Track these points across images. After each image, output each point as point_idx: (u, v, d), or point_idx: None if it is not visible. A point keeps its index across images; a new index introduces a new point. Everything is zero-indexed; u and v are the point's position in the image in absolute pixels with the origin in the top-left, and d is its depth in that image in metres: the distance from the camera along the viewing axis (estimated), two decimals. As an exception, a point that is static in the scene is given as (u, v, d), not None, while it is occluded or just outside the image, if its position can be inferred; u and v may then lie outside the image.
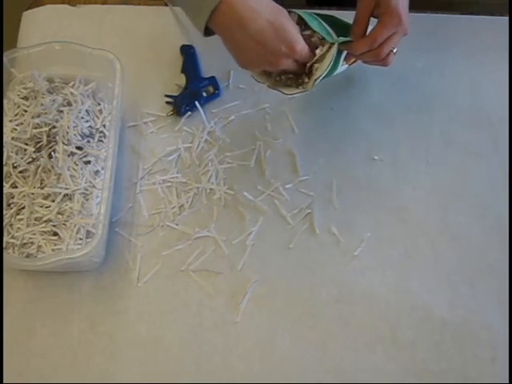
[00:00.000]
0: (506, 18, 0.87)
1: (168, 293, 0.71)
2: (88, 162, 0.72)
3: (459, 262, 0.73)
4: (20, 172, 0.71)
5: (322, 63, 0.68)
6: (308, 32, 0.68)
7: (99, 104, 0.77)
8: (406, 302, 0.71)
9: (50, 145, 0.72)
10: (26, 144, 0.72)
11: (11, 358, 0.67)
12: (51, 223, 0.69)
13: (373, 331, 0.69)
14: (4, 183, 0.70)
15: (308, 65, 0.68)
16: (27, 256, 0.68)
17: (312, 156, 0.78)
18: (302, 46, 0.65)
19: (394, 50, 0.70)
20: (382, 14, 0.66)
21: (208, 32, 0.65)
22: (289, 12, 0.67)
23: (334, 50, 0.67)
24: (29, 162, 0.72)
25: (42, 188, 0.70)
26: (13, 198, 0.70)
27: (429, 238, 0.74)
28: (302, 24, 0.68)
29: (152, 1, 0.89)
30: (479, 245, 0.74)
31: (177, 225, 0.74)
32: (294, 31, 0.64)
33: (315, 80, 0.68)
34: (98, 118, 0.75)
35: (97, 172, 0.72)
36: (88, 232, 0.69)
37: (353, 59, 0.72)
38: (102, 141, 0.74)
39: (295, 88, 0.70)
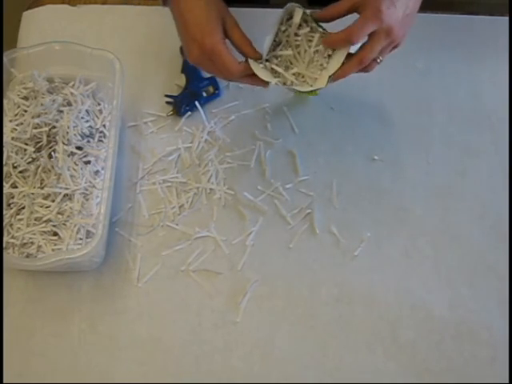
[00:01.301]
0: (506, 18, 0.87)
1: (168, 293, 0.71)
2: (88, 162, 0.73)
3: (459, 262, 0.73)
4: (20, 172, 0.71)
5: (332, 60, 0.66)
6: (306, 29, 0.67)
7: (99, 104, 0.77)
8: (406, 302, 0.71)
9: (50, 145, 0.72)
10: (26, 144, 0.72)
11: (11, 358, 0.67)
12: (51, 223, 0.69)
13: (373, 331, 0.69)
14: (4, 183, 0.70)
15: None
16: (27, 256, 0.68)
17: (312, 156, 0.78)
18: (212, 43, 0.63)
19: (379, 60, 0.68)
20: (361, 7, 0.62)
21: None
22: (294, 7, 0.66)
23: (347, 48, 0.65)
24: (29, 162, 0.72)
25: (42, 188, 0.70)
26: (13, 198, 0.70)
27: (429, 238, 0.74)
28: (307, 21, 0.67)
29: (152, 1, 0.89)
30: (479, 245, 0.74)
31: (177, 225, 0.74)
32: (213, 24, 0.63)
33: (329, 77, 0.66)
34: (97, 118, 0.75)
35: (97, 172, 0.72)
36: (88, 232, 0.69)
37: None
38: (102, 141, 0.74)
39: (308, 85, 0.68)
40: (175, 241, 0.73)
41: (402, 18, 0.63)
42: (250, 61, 0.66)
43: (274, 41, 0.68)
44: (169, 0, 0.68)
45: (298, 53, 0.69)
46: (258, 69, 0.66)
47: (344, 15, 0.65)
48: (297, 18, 0.66)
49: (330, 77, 0.66)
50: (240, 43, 0.66)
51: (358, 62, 0.65)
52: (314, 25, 0.67)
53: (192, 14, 0.65)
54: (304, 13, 0.67)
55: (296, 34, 0.68)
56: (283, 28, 0.68)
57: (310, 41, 0.68)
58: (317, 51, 0.68)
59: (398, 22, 0.63)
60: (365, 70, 0.68)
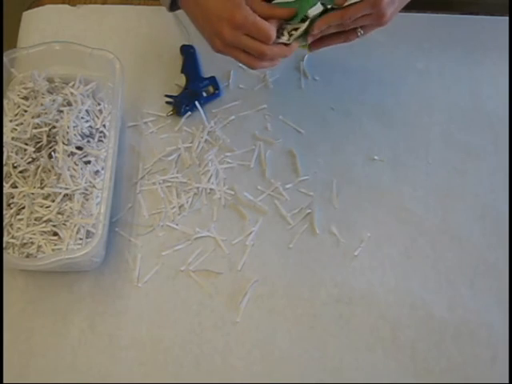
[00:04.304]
0: (506, 18, 0.87)
1: (168, 293, 0.71)
2: (88, 162, 0.72)
3: (459, 262, 0.73)
4: (20, 172, 0.71)
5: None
6: None
7: (99, 104, 0.77)
8: (406, 302, 0.71)
9: (50, 145, 0.72)
10: (26, 144, 0.72)
11: (11, 358, 0.67)
12: (51, 223, 0.69)
13: (373, 331, 0.69)
14: (4, 183, 0.70)
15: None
16: (27, 256, 0.68)
17: (312, 156, 0.78)
18: (243, 15, 0.62)
19: (360, 33, 0.67)
20: None
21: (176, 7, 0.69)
22: None
23: None
24: (29, 162, 0.72)
25: (42, 188, 0.70)
26: (13, 198, 0.70)
27: (429, 238, 0.74)
28: None
29: (152, 1, 0.89)
30: (479, 245, 0.74)
31: (177, 225, 0.74)
32: (237, 1, 0.62)
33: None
34: (98, 118, 0.75)
35: (97, 172, 0.72)
36: (88, 232, 0.69)
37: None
38: (102, 141, 0.74)
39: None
40: (175, 241, 0.73)
41: (397, 6, 0.64)
42: None
43: None
44: (177, 2, 0.68)
45: None
46: None
47: None
48: None
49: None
50: (271, 13, 0.64)
51: (339, 15, 0.63)
52: None
53: (210, 1, 0.63)
54: None
55: None
56: None
57: None
58: None
59: (391, 9, 0.64)
60: (345, 38, 0.67)
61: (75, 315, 0.70)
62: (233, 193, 0.76)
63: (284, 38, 0.66)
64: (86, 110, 0.75)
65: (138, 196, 0.76)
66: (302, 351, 0.69)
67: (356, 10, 0.63)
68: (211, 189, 0.76)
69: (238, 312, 0.70)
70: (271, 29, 0.63)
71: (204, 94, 0.80)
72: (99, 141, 0.74)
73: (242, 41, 0.64)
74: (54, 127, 0.73)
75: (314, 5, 0.64)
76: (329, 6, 0.64)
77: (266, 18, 0.64)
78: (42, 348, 0.68)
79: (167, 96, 0.81)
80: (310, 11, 0.64)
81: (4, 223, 0.69)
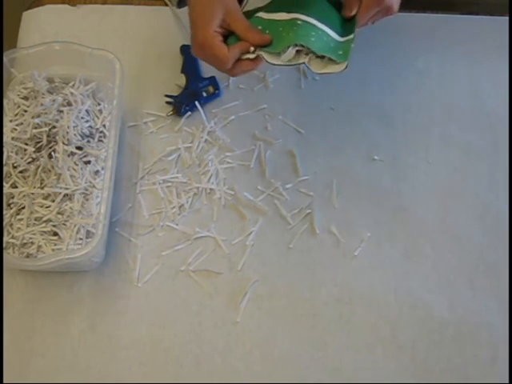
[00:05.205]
0: (506, 18, 0.87)
1: (168, 293, 0.71)
2: (88, 162, 0.72)
3: (459, 262, 0.73)
4: (20, 172, 0.71)
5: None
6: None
7: (99, 104, 0.77)
8: (406, 302, 0.71)
9: (50, 145, 0.72)
10: (26, 144, 0.72)
11: (11, 358, 0.67)
12: (51, 223, 0.69)
13: (373, 331, 0.69)
14: (4, 183, 0.70)
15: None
16: (27, 256, 0.68)
17: (312, 156, 0.78)
18: (203, 37, 0.63)
19: (370, 23, 0.67)
20: None
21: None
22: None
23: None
24: (29, 162, 0.72)
25: (42, 188, 0.70)
26: (13, 198, 0.70)
27: (429, 237, 0.74)
28: None
29: (152, 1, 0.89)
30: (479, 245, 0.74)
31: (177, 225, 0.74)
32: (206, 18, 0.63)
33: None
34: (98, 117, 0.75)
35: (97, 172, 0.72)
36: (88, 232, 0.69)
37: None
38: (102, 141, 0.74)
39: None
40: (175, 241, 0.73)
41: None
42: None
43: None
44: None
45: None
46: (268, 56, 0.64)
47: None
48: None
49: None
50: (244, 35, 0.64)
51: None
52: None
53: (194, 11, 0.65)
54: None
55: None
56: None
57: None
58: None
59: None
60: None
61: (75, 315, 0.70)
62: (233, 193, 0.76)
63: (251, 56, 0.65)
64: (86, 110, 0.75)
65: (138, 196, 0.76)
66: (302, 351, 0.69)
67: (364, 15, 0.64)
68: (211, 189, 0.76)
69: (238, 312, 0.70)
70: (226, 57, 0.63)
71: (204, 94, 0.80)
72: (99, 141, 0.74)
73: (207, 59, 0.66)
74: (54, 127, 0.73)
75: (288, 48, 0.63)
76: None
77: (245, 38, 0.64)
78: (42, 348, 0.68)
79: (167, 96, 0.81)
80: (283, 57, 0.63)
81: (4, 223, 0.69)
